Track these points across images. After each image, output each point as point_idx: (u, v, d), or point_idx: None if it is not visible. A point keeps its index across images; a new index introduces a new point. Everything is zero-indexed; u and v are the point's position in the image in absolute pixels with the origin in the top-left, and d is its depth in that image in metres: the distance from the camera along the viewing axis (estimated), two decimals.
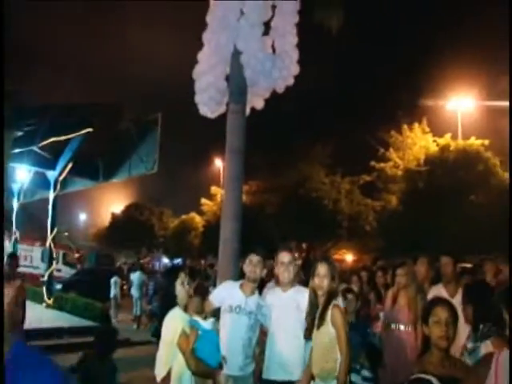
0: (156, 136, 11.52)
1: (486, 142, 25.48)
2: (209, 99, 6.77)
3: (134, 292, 17.29)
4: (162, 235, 48.13)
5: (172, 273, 4.92)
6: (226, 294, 4.89)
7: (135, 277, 17.81)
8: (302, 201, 28.78)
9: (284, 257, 4.81)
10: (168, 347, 4.21)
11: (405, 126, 27.52)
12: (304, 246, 34.44)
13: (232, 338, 4.62)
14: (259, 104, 7.45)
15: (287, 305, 4.68)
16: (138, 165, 12.68)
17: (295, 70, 7.06)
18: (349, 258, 36.51)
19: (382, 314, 6.50)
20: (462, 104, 28.47)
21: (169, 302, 4.43)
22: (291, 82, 7.12)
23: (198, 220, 42.03)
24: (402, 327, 5.77)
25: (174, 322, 4.24)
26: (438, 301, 3.47)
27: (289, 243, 33.30)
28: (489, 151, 25.46)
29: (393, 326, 5.86)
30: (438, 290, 5.82)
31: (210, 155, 42.88)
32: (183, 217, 45.78)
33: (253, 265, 4.80)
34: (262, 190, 32.91)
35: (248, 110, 7.30)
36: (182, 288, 4.42)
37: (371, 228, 29.00)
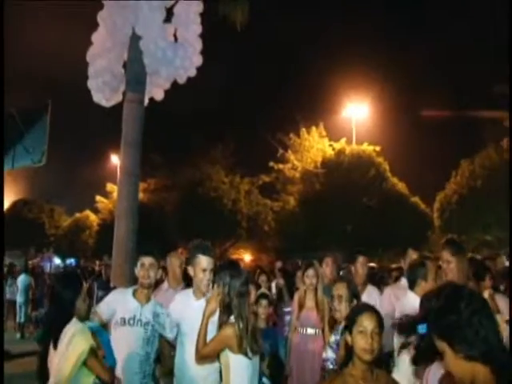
0: (45, 125, 10.54)
1: (378, 148, 26.79)
2: (103, 84, 6.24)
3: (19, 297, 15.56)
4: (52, 234, 45.65)
5: (67, 279, 4.31)
6: (117, 304, 4.29)
7: (20, 280, 15.97)
8: (202, 200, 28.52)
9: (207, 262, 4.12)
10: (72, 365, 3.53)
11: (303, 129, 28.14)
12: None
13: (127, 354, 4.07)
14: (159, 95, 7.04)
15: (200, 316, 3.84)
16: (24, 156, 11.56)
17: (198, 60, 6.71)
18: (247, 257, 36.81)
19: (288, 318, 6.32)
20: (356, 111, 29.72)
21: (61, 309, 3.85)
22: (193, 72, 6.74)
23: (93, 218, 40.33)
24: (309, 330, 5.59)
25: (81, 339, 3.58)
26: (365, 308, 3.09)
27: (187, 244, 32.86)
28: (380, 156, 26.78)
29: (300, 329, 5.64)
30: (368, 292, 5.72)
31: (106, 149, 40.98)
32: (77, 215, 43.75)
33: (145, 268, 4.26)
34: (160, 188, 32.29)
35: (146, 101, 6.86)
36: (83, 303, 3.86)
37: (269, 228, 29.34)
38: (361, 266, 5.99)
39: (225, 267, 3.80)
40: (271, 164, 27.98)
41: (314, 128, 28.16)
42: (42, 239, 45.54)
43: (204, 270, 4.08)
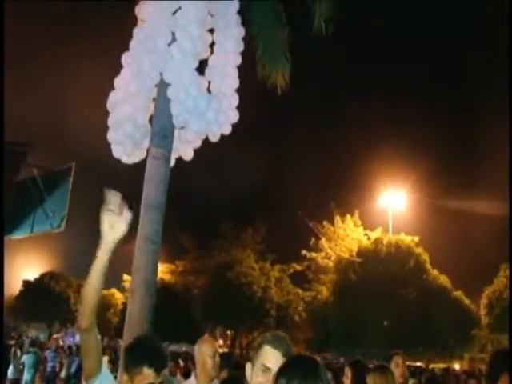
0: (67, 189, 9.90)
1: (416, 238, 25.61)
2: (124, 137, 5.47)
3: (26, 374, 14.45)
4: (78, 309, 44.76)
5: None
6: None
7: (28, 357, 14.87)
8: (230, 285, 27.37)
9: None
10: None
11: (337, 217, 27.38)
12: (229, 333, 32.66)
13: None
14: (188, 153, 6.22)
15: None
16: (43, 221, 10.90)
17: (234, 116, 5.91)
18: None
19: None
20: (393, 200, 28.84)
21: None
22: (228, 129, 5.94)
23: (119, 296, 39.70)
24: None
25: None
26: None
27: (213, 330, 31.50)
28: (419, 247, 25.57)
29: None
30: None
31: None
32: (103, 292, 42.96)
33: None
34: (188, 271, 31.45)
35: (173, 160, 6.05)
36: None
37: (300, 319, 27.72)
38: (396, 368, 4.85)
39: None
40: (304, 252, 27.13)
41: (348, 216, 27.34)
42: (67, 314, 45.30)
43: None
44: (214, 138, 6.01)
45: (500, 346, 29.92)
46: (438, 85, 48.29)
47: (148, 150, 5.80)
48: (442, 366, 20.26)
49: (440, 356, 21.89)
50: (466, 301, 24.34)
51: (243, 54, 6.47)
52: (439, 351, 21.29)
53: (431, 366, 22.84)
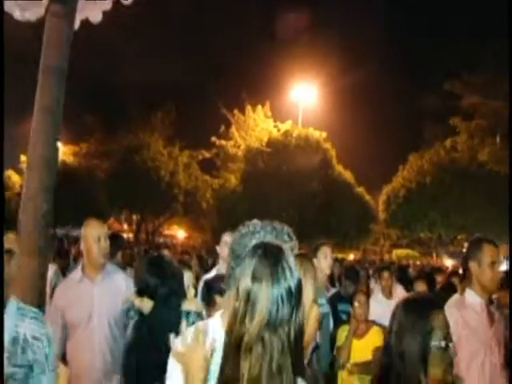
0: None
1: (324, 134, 26.11)
2: None
3: None
4: None
5: None
6: None
7: None
8: (137, 169, 26.68)
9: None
10: None
11: (248, 107, 26.93)
12: (135, 218, 32.40)
13: None
14: (96, 15, 5.36)
15: None
16: None
17: None
18: (180, 234, 35.09)
19: None
20: (304, 93, 28.74)
21: None
22: None
23: (16, 179, 36.93)
24: None
25: None
26: None
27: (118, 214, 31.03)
28: (327, 142, 26.05)
29: None
30: None
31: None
32: None
33: None
34: (92, 153, 30.08)
35: (78, 22, 5.19)
36: None
37: (207, 205, 27.87)
38: (325, 258, 4.46)
39: None
40: (213, 139, 26.68)
41: (259, 106, 26.98)
42: None
43: None
44: (126, 1, 5.18)
45: (390, 241, 32.32)
46: None
47: (47, 7, 4.90)
48: (340, 255, 21.45)
49: (338, 247, 23.11)
50: (367, 197, 25.55)
51: None
52: (339, 242, 22.42)
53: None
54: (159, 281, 3.04)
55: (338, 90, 33.19)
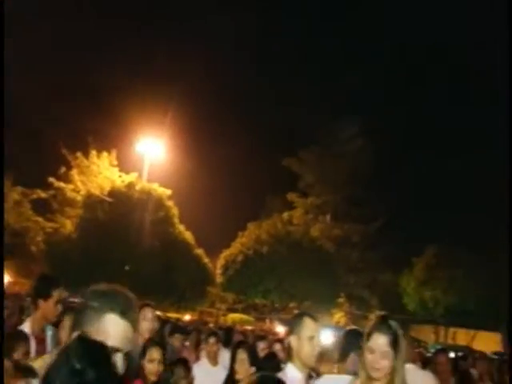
0: None
1: (169, 191, 26.33)
2: None
3: None
4: None
5: None
6: None
7: None
8: None
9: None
10: None
11: (93, 152, 26.10)
12: None
13: None
14: None
15: None
16: None
17: None
18: (5, 279, 31.42)
19: None
20: (151, 148, 28.50)
21: None
22: None
23: None
24: None
25: None
26: None
27: None
28: (171, 200, 26.21)
29: None
30: None
31: None
32: None
33: None
34: None
35: None
36: None
37: (38, 250, 25.69)
38: (143, 321, 3.98)
39: None
40: (51, 179, 25.07)
41: (105, 153, 26.28)
42: None
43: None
44: None
45: (227, 305, 32.50)
46: None
47: None
48: (175, 316, 21.11)
49: (175, 307, 22.83)
50: (206, 259, 25.80)
51: None
52: (175, 302, 22.15)
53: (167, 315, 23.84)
54: None
55: (186, 150, 33.58)
